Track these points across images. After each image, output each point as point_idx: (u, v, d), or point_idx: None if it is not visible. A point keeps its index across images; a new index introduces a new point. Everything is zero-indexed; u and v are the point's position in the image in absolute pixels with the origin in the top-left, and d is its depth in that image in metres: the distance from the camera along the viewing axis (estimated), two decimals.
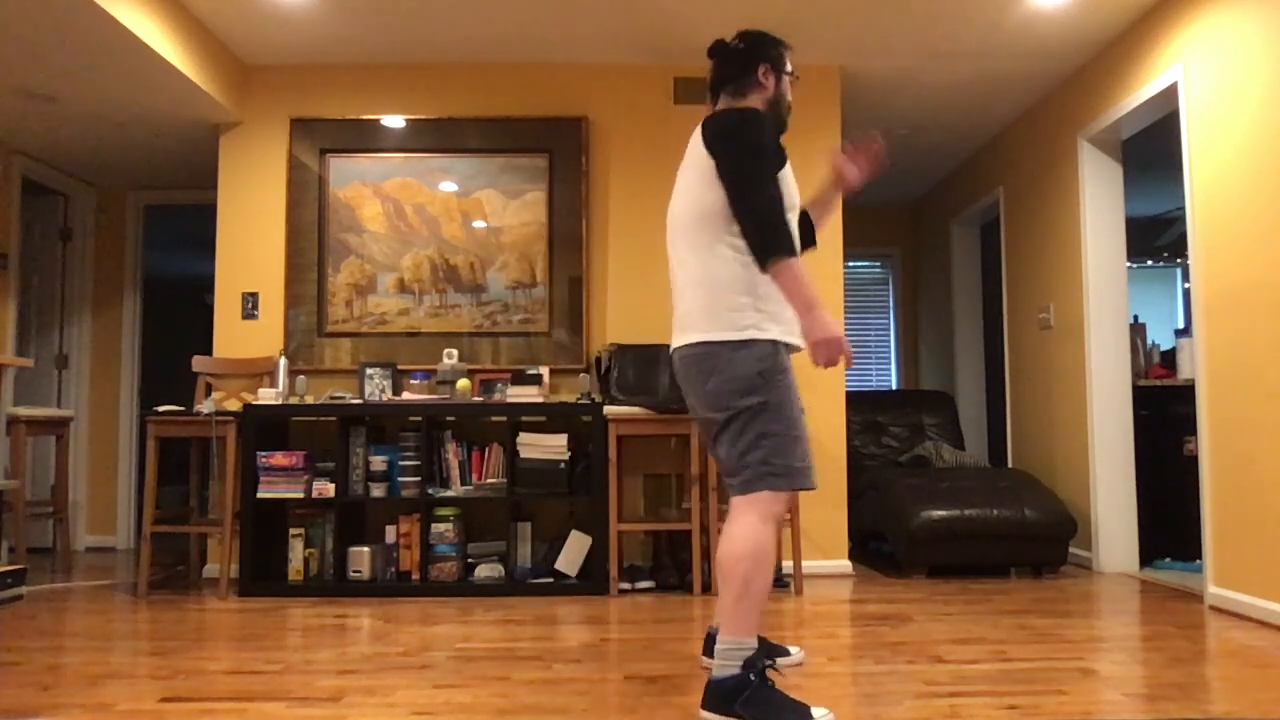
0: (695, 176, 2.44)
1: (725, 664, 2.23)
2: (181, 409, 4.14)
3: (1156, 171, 6.32)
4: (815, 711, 2.19)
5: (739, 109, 2.44)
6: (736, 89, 2.57)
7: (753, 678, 2.21)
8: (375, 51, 4.53)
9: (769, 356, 2.34)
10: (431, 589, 4.02)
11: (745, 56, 2.58)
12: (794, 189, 2.51)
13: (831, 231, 4.65)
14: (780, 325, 2.37)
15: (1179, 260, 7.97)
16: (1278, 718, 2.23)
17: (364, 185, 4.62)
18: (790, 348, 2.40)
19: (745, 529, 2.28)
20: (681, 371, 2.46)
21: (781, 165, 2.43)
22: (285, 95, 4.66)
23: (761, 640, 2.75)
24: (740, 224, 2.33)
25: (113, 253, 5.95)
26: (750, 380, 2.32)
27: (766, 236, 2.28)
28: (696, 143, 2.48)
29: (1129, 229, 4.76)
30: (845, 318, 4.72)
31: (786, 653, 2.77)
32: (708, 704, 2.24)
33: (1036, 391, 5.26)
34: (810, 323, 2.27)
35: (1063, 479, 4.92)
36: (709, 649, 2.73)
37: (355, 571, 4.10)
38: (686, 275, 2.45)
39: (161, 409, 4.12)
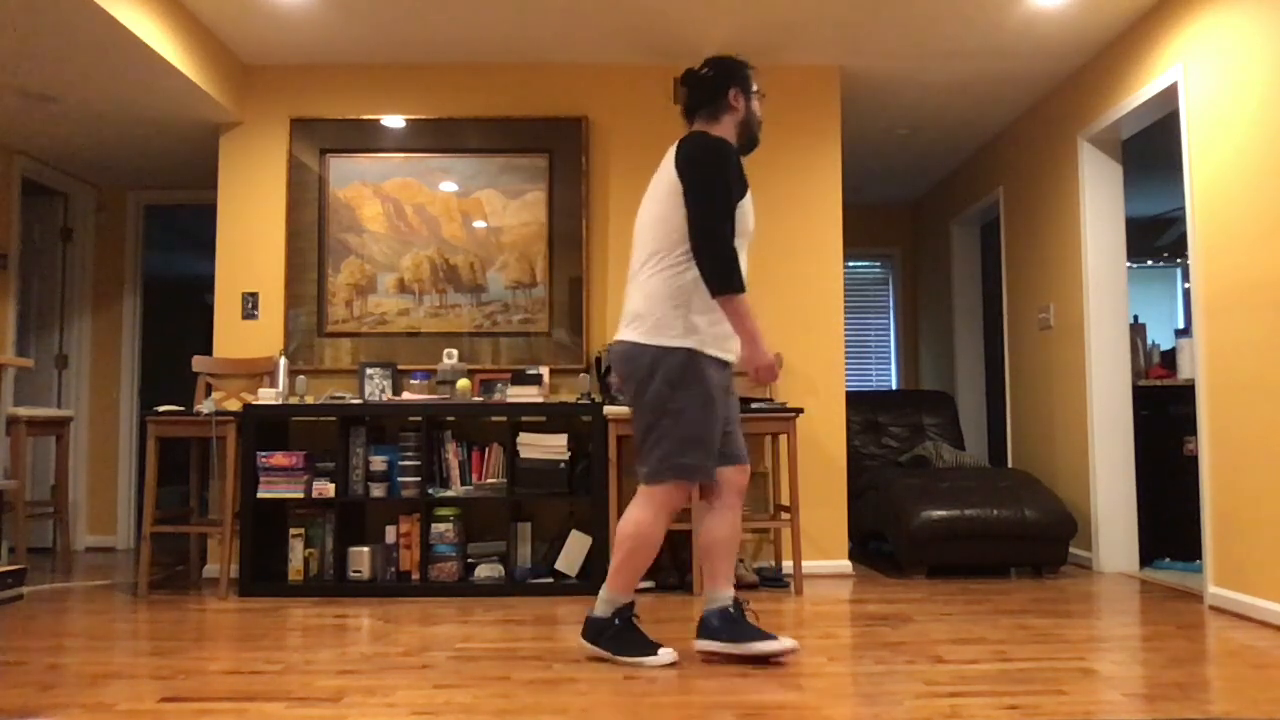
0: (664, 191, 2.72)
1: (602, 608, 2.79)
2: (181, 409, 4.14)
3: (1156, 171, 6.32)
4: (661, 650, 2.75)
5: (712, 137, 2.72)
6: (710, 113, 2.82)
7: (617, 621, 2.77)
8: (375, 51, 4.53)
9: (682, 365, 2.66)
10: (431, 589, 4.02)
11: (715, 82, 2.82)
12: (750, 217, 2.78)
13: (831, 231, 4.66)
14: (699, 337, 2.68)
15: (1179, 260, 7.97)
16: (1278, 718, 2.23)
17: (364, 185, 4.62)
18: (712, 360, 2.70)
19: (640, 517, 2.72)
20: (614, 363, 2.79)
21: (741, 195, 2.69)
22: (285, 95, 4.66)
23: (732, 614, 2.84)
24: (695, 254, 2.63)
25: (113, 253, 5.95)
26: (661, 382, 2.67)
27: (720, 272, 2.61)
28: (670, 160, 2.74)
29: (1129, 229, 4.76)
30: (845, 317, 4.73)
31: (772, 637, 2.78)
32: (585, 633, 2.81)
33: (1036, 391, 5.26)
34: (752, 352, 2.69)
35: (1063, 479, 4.92)
36: (702, 632, 2.83)
37: (355, 571, 4.10)
38: (636, 278, 2.77)
39: (161, 409, 4.12)
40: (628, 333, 2.72)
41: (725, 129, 2.80)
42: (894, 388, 7.42)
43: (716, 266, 2.60)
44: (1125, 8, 4.08)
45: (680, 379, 2.66)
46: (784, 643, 2.76)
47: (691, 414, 2.67)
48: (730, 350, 2.77)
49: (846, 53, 4.55)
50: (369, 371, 4.42)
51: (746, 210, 2.74)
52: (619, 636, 2.77)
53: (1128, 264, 4.68)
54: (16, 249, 5.30)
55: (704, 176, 2.63)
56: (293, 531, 4.15)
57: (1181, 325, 7.94)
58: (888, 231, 7.43)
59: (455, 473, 4.18)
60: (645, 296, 2.70)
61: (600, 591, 2.81)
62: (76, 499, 5.74)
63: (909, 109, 5.29)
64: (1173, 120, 4.44)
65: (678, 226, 2.66)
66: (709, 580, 2.85)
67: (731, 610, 2.80)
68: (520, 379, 4.26)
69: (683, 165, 2.67)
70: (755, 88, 2.85)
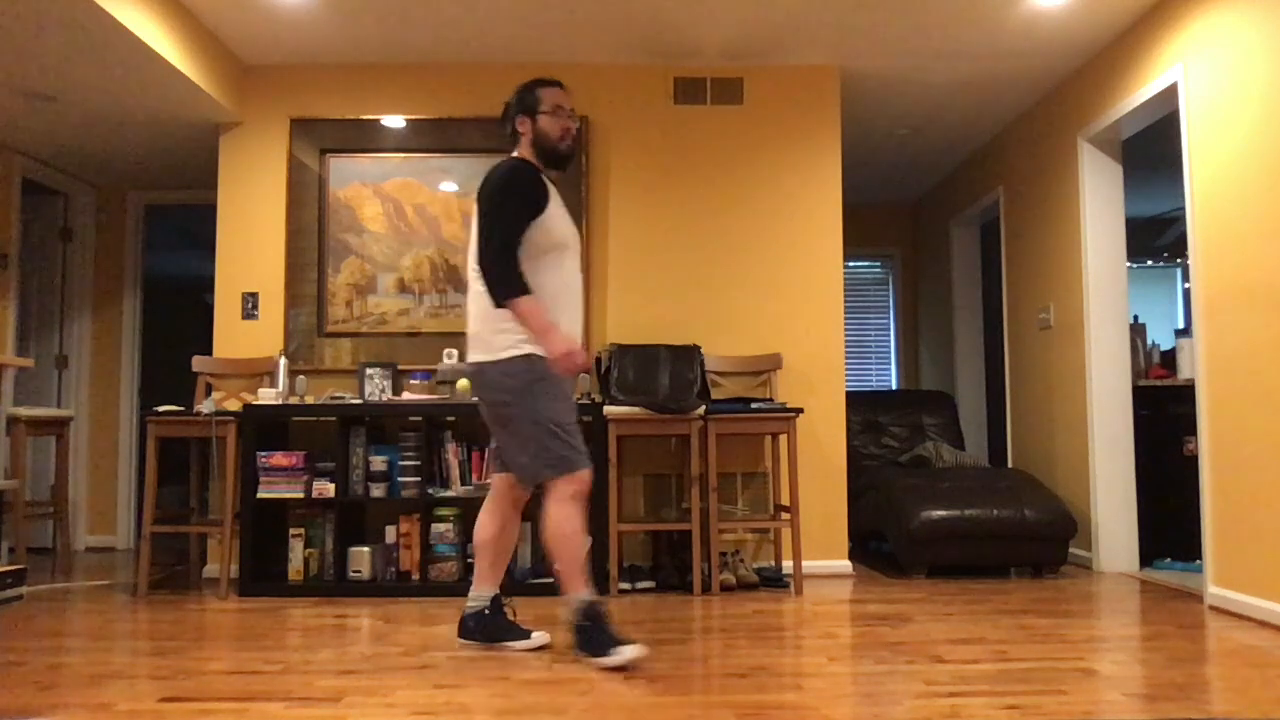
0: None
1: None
2: (181, 409, 4.14)
3: (1156, 171, 6.32)
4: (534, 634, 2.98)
5: (503, 162, 2.92)
6: (511, 142, 3.03)
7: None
8: (375, 51, 4.53)
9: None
10: (431, 589, 4.02)
11: (505, 114, 3.03)
12: (560, 225, 2.91)
13: (831, 231, 4.65)
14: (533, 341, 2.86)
15: (1179, 260, 7.97)
16: (1278, 718, 2.23)
17: (364, 185, 4.62)
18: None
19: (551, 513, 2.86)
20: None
21: (539, 211, 2.86)
22: (285, 95, 4.66)
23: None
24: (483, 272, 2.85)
25: (113, 253, 5.94)
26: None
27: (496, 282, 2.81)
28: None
29: (1129, 229, 4.76)
30: (845, 317, 4.72)
31: (527, 635, 3.05)
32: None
33: (1036, 391, 5.26)
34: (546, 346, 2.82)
35: (1063, 479, 4.92)
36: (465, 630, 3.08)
37: (355, 571, 4.10)
38: None
39: (161, 409, 4.12)
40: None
41: (524, 152, 3.00)
42: (894, 388, 7.42)
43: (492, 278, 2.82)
44: (1125, 8, 4.08)
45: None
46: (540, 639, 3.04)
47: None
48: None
49: (846, 53, 4.55)
50: (369, 371, 4.42)
51: (554, 220, 2.89)
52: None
53: (1128, 264, 4.67)
54: (16, 249, 5.30)
55: (488, 200, 2.86)
56: (293, 531, 4.15)
57: (1181, 325, 7.94)
58: (888, 231, 7.43)
59: (455, 473, 4.18)
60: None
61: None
62: (76, 499, 5.74)
63: (909, 109, 5.29)
64: (1173, 120, 4.44)
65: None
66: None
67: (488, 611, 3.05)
68: None
69: (478, 192, 2.92)
70: (545, 106, 2.97)
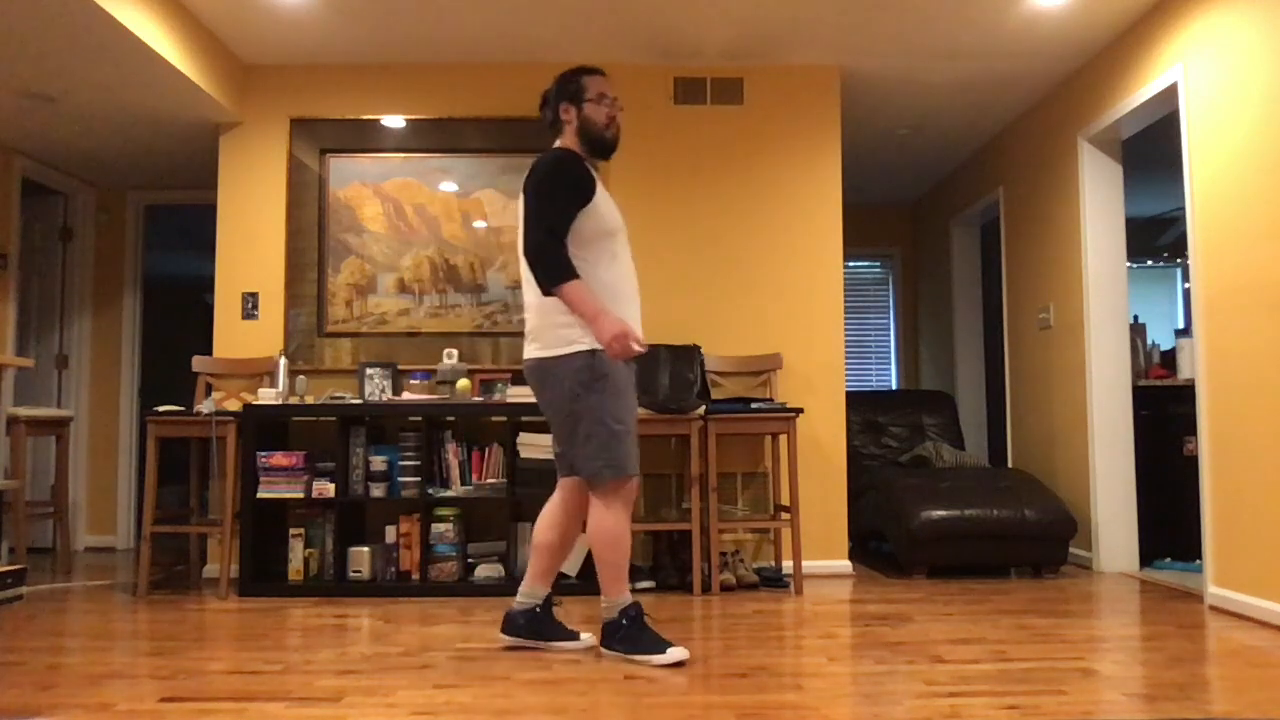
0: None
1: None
2: (181, 409, 4.14)
3: (1156, 171, 6.32)
4: (672, 649, 2.78)
5: (550, 151, 2.92)
6: (555, 131, 3.04)
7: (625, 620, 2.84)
8: (375, 51, 4.53)
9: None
10: (431, 589, 4.02)
11: (546, 102, 3.04)
12: (609, 214, 2.88)
13: (831, 231, 4.65)
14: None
15: (1179, 260, 7.97)
16: (1278, 718, 2.23)
17: (364, 185, 4.62)
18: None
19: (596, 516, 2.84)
20: None
21: (587, 199, 2.83)
22: (285, 95, 4.66)
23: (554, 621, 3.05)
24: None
25: (113, 253, 5.95)
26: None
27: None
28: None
29: (1129, 229, 4.76)
30: (845, 317, 4.72)
31: (575, 637, 3.01)
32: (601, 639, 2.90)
33: (1036, 391, 5.26)
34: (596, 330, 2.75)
35: (1063, 479, 4.92)
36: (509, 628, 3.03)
37: (355, 571, 4.10)
38: None
39: (161, 409, 4.12)
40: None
41: (568, 141, 2.98)
42: (894, 388, 7.42)
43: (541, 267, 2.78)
44: (1125, 8, 4.08)
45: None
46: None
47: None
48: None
49: (846, 53, 4.55)
50: (369, 371, 4.42)
51: (600, 208, 2.85)
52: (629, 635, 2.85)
53: (1128, 264, 4.67)
54: (16, 249, 5.30)
55: (535, 187, 2.83)
56: (293, 531, 4.15)
57: (1181, 325, 7.94)
58: (888, 231, 7.43)
59: (455, 473, 4.18)
60: None
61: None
62: (76, 499, 5.74)
63: (909, 109, 5.29)
64: (1173, 120, 4.44)
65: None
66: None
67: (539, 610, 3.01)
68: (520, 379, 4.25)
69: (524, 182, 2.90)
70: (590, 94, 2.96)
